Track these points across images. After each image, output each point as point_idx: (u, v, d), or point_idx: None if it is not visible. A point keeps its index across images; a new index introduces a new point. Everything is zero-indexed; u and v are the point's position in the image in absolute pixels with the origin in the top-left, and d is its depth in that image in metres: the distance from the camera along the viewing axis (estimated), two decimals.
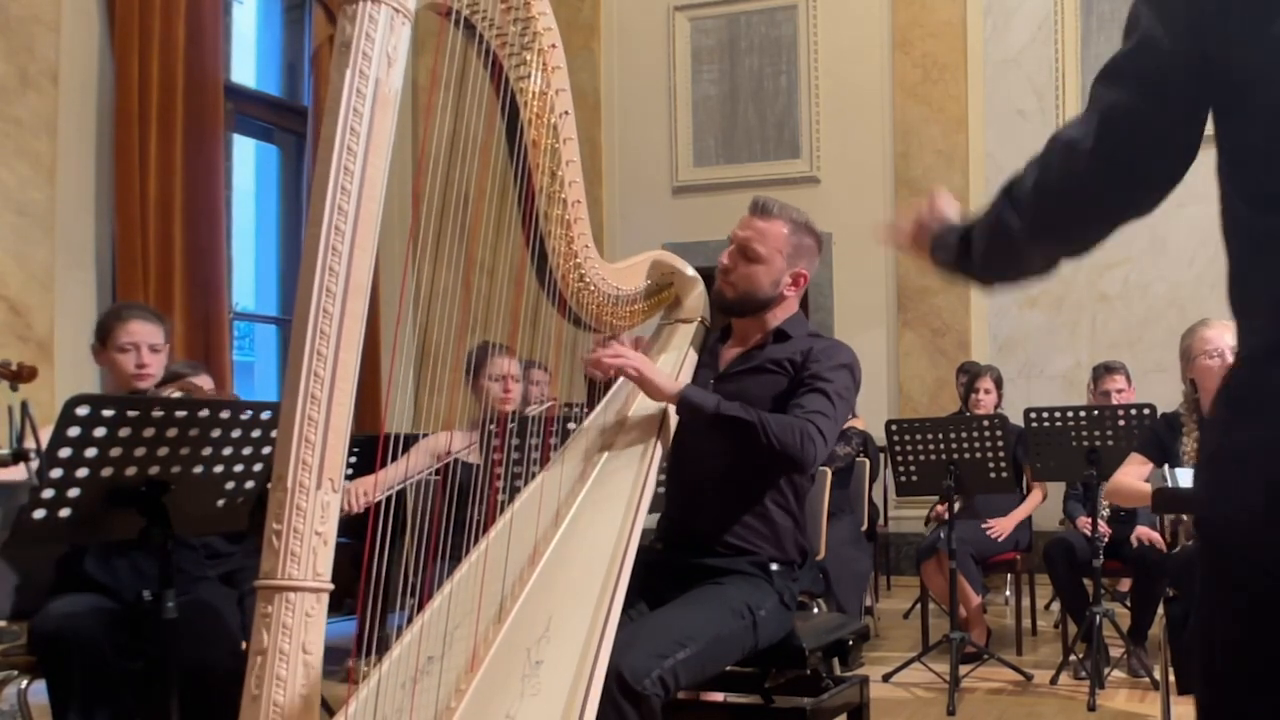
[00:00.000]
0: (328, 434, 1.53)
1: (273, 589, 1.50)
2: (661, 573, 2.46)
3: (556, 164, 2.28)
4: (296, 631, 1.49)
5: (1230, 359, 3.41)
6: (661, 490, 2.75)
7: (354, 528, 3.01)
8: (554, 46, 2.23)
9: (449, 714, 1.85)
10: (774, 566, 2.45)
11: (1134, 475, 3.43)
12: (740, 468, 2.47)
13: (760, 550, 2.45)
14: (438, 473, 3.45)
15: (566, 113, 2.28)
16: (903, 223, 1.55)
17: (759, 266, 2.54)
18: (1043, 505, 5.29)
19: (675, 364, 2.58)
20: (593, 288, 2.44)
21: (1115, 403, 4.72)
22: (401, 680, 1.90)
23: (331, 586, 1.53)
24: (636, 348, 2.57)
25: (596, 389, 2.57)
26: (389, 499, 3.33)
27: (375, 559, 1.71)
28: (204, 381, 3.34)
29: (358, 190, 1.57)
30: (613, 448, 2.40)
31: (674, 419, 2.47)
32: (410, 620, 2.04)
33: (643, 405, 2.49)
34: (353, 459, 3.63)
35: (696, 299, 2.71)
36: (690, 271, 2.71)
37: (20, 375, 2.69)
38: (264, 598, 1.50)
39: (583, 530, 2.21)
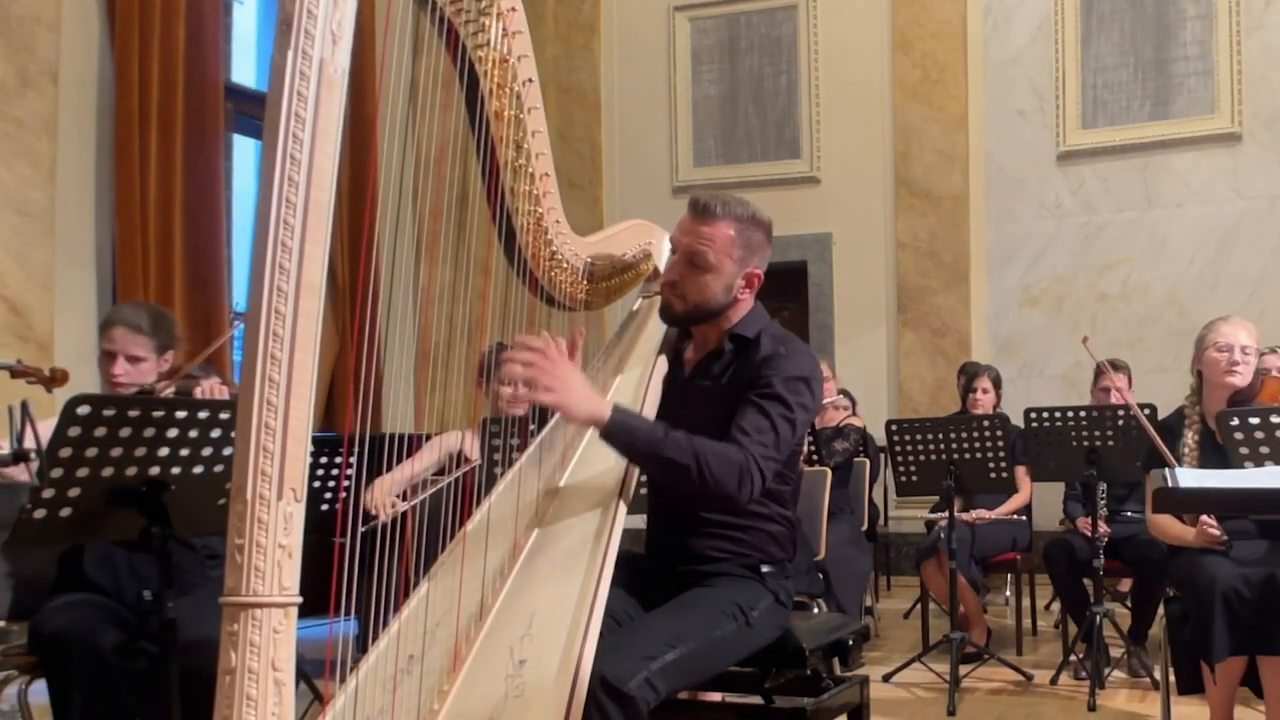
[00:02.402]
0: (286, 441, 1.45)
1: (238, 606, 1.44)
2: (652, 580, 2.39)
3: (521, 135, 2.15)
4: (265, 649, 1.43)
5: (1239, 358, 3.44)
6: (643, 492, 2.70)
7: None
8: (514, 10, 2.07)
9: (432, 716, 1.83)
10: (765, 569, 2.37)
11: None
12: None
13: (749, 555, 2.37)
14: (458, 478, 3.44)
15: (530, 80, 2.13)
16: None
17: (709, 276, 2.31)
18: (1043, 505, 5.28)
19: (654, 340, 2.47)
20: (565, 264, 2.31)
21: (1113, 401, 4.72)
22: (383, 679, 1.87)
23: (300, 600, 1.47)
24: (572, 348, 2.22)
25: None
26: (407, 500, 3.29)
27: (375, 561, 1.69)
28: (213, 383, 3.31)
29: (305, 180, 1.45)
30: (592, 436, 2.27)
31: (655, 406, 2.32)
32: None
33: (620, 392, 2.37)
34: (352, 459, 3.62)
35: None
36: (669, 241, 2.51)
37: (54, 379, 2.67)
38: (230, 615, 1.44)
39: (564, 521, 2.14)
